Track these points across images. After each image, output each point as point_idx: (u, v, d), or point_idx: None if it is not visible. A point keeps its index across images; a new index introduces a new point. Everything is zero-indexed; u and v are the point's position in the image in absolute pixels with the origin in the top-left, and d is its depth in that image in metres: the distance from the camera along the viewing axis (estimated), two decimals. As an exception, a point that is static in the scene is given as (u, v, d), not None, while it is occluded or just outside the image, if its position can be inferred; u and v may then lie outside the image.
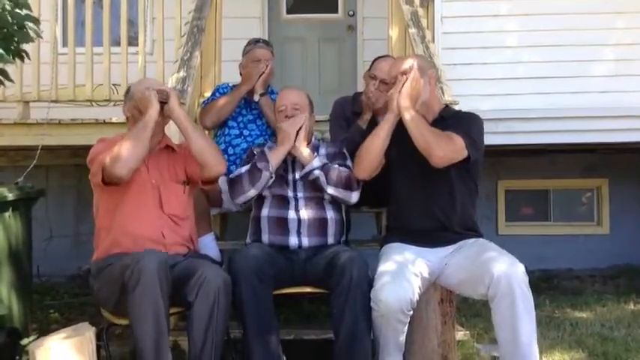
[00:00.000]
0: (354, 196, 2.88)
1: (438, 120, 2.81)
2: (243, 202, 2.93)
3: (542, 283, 4.79)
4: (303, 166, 2.93)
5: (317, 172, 2.87)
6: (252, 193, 2.87)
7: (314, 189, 2.93)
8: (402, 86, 2.69)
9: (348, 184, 2.87)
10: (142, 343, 2.36)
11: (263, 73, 3.60)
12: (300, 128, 2.93)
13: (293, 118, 2.96)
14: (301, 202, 2.91)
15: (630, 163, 5.32)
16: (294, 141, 2.91)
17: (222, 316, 2.48)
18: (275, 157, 2.90)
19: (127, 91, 2.90)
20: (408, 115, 2.66)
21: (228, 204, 3.39)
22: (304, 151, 2.92)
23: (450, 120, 2.80)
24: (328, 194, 2.88)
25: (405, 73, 2.75)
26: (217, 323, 2.47)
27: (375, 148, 2.73)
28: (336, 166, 2.92)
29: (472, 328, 3.53)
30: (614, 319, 3.82)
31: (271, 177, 2.87)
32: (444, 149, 2.61)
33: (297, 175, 2.95)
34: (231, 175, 3.03)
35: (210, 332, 2.46)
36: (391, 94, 2.74)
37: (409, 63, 2.78)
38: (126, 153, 2.57)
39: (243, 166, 2.98)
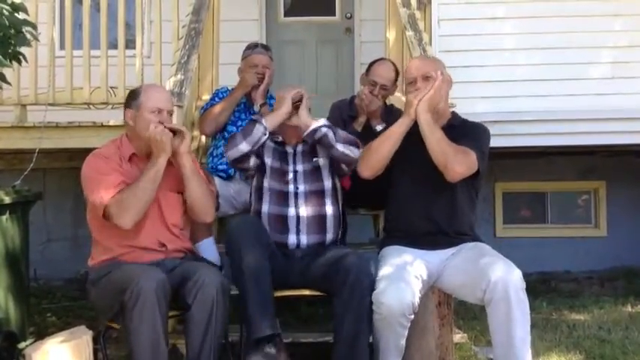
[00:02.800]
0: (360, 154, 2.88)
1: (447, 127, 2.79)
2: (235, 159, 2.85)
3: (540, 286, 4.79)
4: (304, 160, 2.93)
5: (325, 130, 2.84)
6: (243, 146, 2.80)
7: (314, 179, 2.92)
8: (426, 94, 2.67)
9: (354, 142, 2.87)
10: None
11: (261, 83, 3.56)
12: (301, 101, 2.89)
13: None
14: (301, 198, 2.89)
15: (627, 165, 5.33)
16: (298, 110, 2.86)
17: (220, 319, 2.48)
18: (271, 119, 2.87)
19: (134, 96, 2.76)
20: (426, 124, 2.64)
21: (225, 208, 3.39)
22: (308, 116, 2.88)
23: (461, 129, 2.80)
24: (338, 151, 2.84)
25: (428, 78, 2.72)
26: (215, 326, 2.47)
27: (385, 148, 2.72)
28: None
29: (470, 330, 3.53)
30: (611, 322, 3.82)
31: (265, 134, 2.82)
32: (463, 165, 2.61)
33: (304, 136, 2.88)
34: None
35: (208, 335, 2.46)
36: (410, 100, 2.71)
37: (436, 69, 2.74)
38: (134, 206, 2.55)
39: None
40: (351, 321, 2.56)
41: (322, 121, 2.88)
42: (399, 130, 2.71)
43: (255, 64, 3.60)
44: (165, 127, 2.67)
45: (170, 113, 2.77)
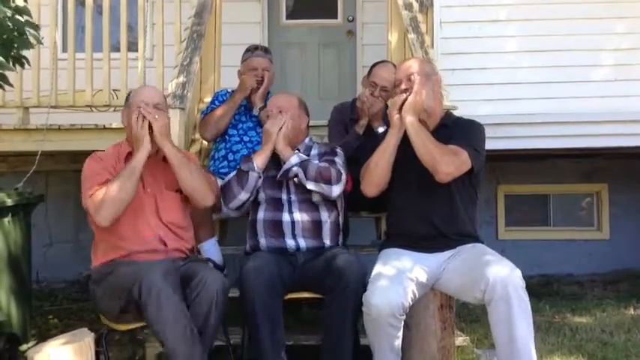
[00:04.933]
0: (335, 190, 2.87)
1: (440, 127, 2.79)
2: (237, 207, 2.93)
3: (542, 288, 4.78)
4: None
5: (295, 169, 2.88)
6: (243, 196, 2.88)
7: (305, 189, 2.92)
8: (404, 102, 2.67)
9: (327, 179, 2.86)
10: (174, 344, 2.36)
11: (260, 85, 3.57)
12: (281, 128, 2.93)
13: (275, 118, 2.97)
14: (295, 205, 2.92)
15: (630, 168, 5.32)
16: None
17: (216, 319, 2.51)
18: (259, 157, 2.91)
19: (127, 97, 2.87)
20: (413, 131, 2.64)
21: (227, 210, 3.39)
22: (283, 149, 2.92)
23: (453, 128, 2.79)
24: (309, 189, 2.87)
25: (409, 80, 2.72)
26: (212, 325, 2.50)
27: (382, 164, 2.72)
28: (315, 161, 2.94)
29: (472, 333, 3.52)
30: (614, 324, 3.81)
31: (259, 177, 2.88)
32: (450, 166, 2.60)
33: (277, 178, 2.93)
34: (221, 183, 3.04)
35: (205, 334, 2.48)
36: (389, 112, 2.70)
37: (412, 72, 2.74)
38: (109, 203, 2.54)
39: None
40: (337, 322, 2.61)
41: (293, 159, 2.89)
42: (389, 142, 2.71)
43: (255, 67, 3.60)
44: (142, 116, 2.66)
45: (158, 107, 2.76)
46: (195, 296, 2.47)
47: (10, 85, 3.37)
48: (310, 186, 2.86)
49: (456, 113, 3.06)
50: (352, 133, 3.42)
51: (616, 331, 3.68)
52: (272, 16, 6.02)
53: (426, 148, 2.61)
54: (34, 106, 4.19)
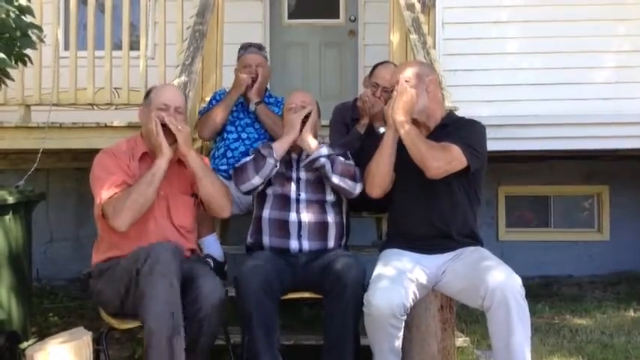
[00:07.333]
0: (358, 188, 2.89)
1: (439, 127, 2.80)
2: (247, 191, 2.91)
3: (542, 290, 4.78)
4: (307, 168, 2.93)
5: (323, 160, 2.86)
6: (256, 180, 2.86)
7: (317, 189, 2.93)
8: (394, 102, 2.69)
9: (352, 176, 2.89)
10: (156, 324, 2.33)
11: (254, 81, 3.57)
12: (307, 119, 2.93)
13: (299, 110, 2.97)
14: (303, 205, 2.90)
15: (631, 169, 5.32)
16: (300, 131, 2.91)
17: (212, 331, 2.51)
18: (280, 146, 2.90)
19: (147, 94, 2.80)
20: (402, 130, 2.66)
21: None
22: (311, 140, 2.91)
23: (451, 127, 2.80)
24: (333, 183, 2.87)
25: (397, 82, 2.74)
26: (205, 337, 2.51)
27: (383, 165, 2.73)
28: (342, 158, 2.94)
29: (472, 334, 3.52)
30: (613, 326, 3.81)
31: (276, 165, 2.87)
32: (439, 161, 2.60)
33: (302, 165, 2.93)
34: (236, 165, 3.03)
35: (199, 344, 2.49)
36: (386, 109, 2.73)
37: (401, 74, 2.76)
38: (128, 208, 2.52)
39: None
40: (338, 324, 2.60)
41: (323, 150, 2.89)
42: (386, 142, 2.72)
43: (249, 63, 3.62)
44: (160, 124, 2.64)
45: (178, 110, 2.75)
46: (190, 305, 2.46)
47: (12, 79, 3.36)
48: (335, 180, 2.86)
49: (457, 114, 3.06)
50: (353, 132, 3.42)
51: (616, 332, 3.68)
52: (274, 15, 6.02)
53: (415, 145, 2.63)
54: (36, 104, 4.20)
